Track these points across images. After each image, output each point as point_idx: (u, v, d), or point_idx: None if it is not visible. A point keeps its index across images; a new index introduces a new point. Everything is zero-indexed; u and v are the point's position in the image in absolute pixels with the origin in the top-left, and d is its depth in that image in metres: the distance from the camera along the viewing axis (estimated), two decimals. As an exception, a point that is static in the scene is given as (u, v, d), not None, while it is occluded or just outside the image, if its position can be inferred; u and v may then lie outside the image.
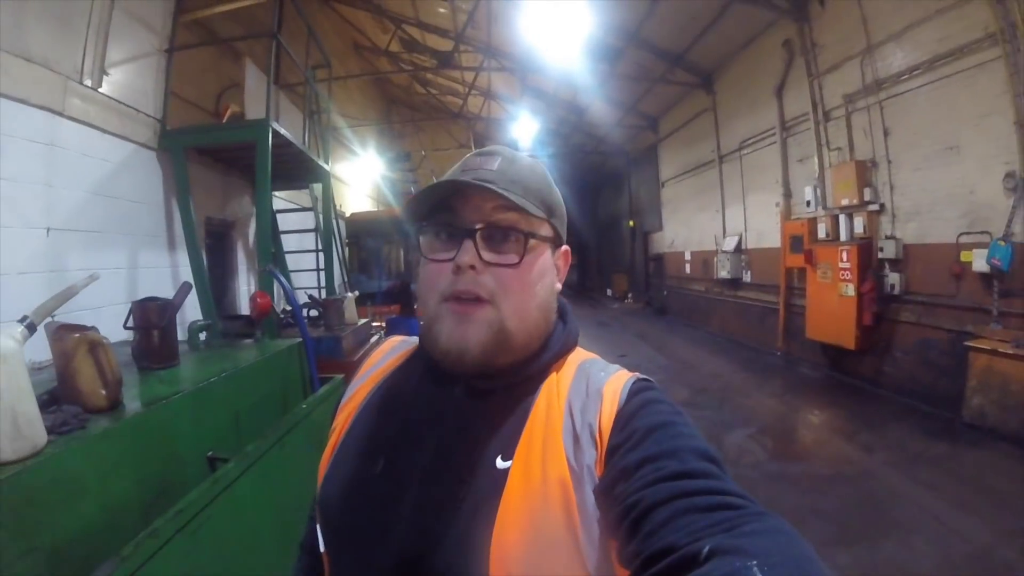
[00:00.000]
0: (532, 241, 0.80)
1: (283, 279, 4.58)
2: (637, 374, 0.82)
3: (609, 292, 21.60)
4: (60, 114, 3.86)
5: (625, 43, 11.19)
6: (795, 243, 8.77)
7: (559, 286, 0.89)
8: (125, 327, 2.53)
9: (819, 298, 8.12)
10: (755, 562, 0.46)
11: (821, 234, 8.21)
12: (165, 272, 5.10)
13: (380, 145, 14.43)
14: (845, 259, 7.40)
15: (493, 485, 0.70)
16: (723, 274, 11.58)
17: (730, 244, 11.49)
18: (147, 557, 1.41)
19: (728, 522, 0.54)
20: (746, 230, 11.10)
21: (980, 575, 3.45)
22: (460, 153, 16.74)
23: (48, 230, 3.71)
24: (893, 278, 6.92)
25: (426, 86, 17.41)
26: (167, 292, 2.83)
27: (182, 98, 5.56)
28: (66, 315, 2.94)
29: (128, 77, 4.66)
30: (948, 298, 6.24)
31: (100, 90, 4.22)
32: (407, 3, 11.87)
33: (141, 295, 3.64)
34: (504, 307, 0.77)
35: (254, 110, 5.66)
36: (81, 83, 4.06)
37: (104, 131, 4.35)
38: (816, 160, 8.27)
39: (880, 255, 7.08)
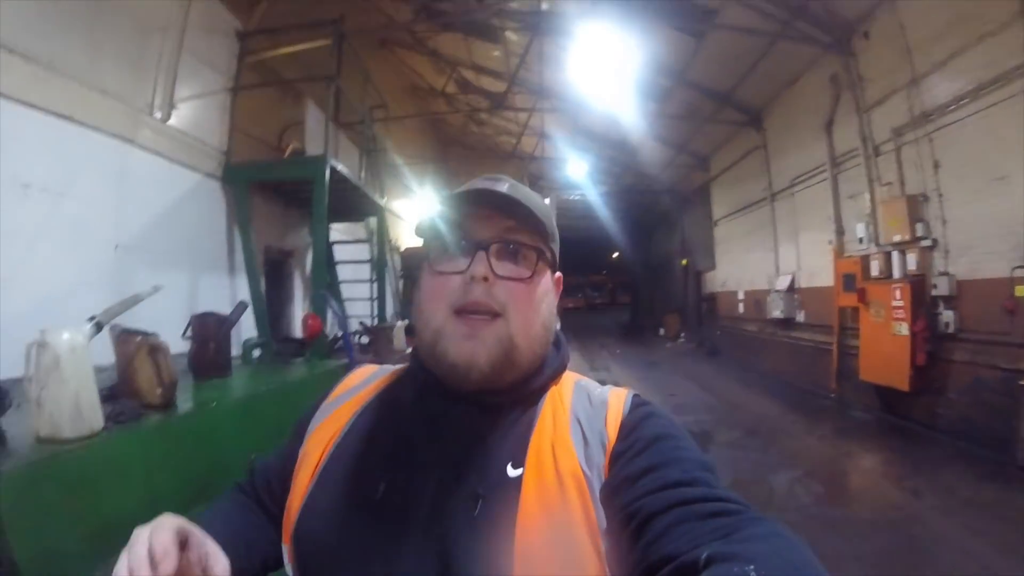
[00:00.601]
0: (540, 260, 0.83)
1: (335, 303, 4.86)
2: (633, 390, 0.84)
3: (661, 332, 21.25)
4: (131, 143, 4.26)
5: (673, 83, 11.28)
6: (847, 281, 8.48)
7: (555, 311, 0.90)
8: (183, 337, 2.71)
9: (872, 338, 7.80)
10: (752, 567, 0.46)
11: (874, 272, 7.91)
12: (224, 293, 5.43)
13: (436, 183, 14.86)
14: (898, 297, 7.11)
15: (507, 494, 0.70)
16: (776, 314, 11.26)
17: (783, 283, 11.19)
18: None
19: (726, 528, 0.55)
20: (799, 269, 10.80)
21: None
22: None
23: (116, 247, 4.04)
24: (947, 316, 6.60)
25: (480, 126, 17.86)
26: (224, 311, 3.06)
27: (248, 134, 5.93)
28: (128, 325, 3.22)
29: (195, 112, 5.06)
30: (1002, 335, 5.91)
31: (169, 123, 4.63)
32: (462, 47, 12.29)
33: (202, 309, 3.97)
34: (513, 322, 0.78)
35: (314, 147, 6.00)
36: (151, 116, 4.47)
37: (172, 160, 4.75)
38: (867, 196, 8.04)
39: (933, 292, 6.77)
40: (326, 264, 5.96)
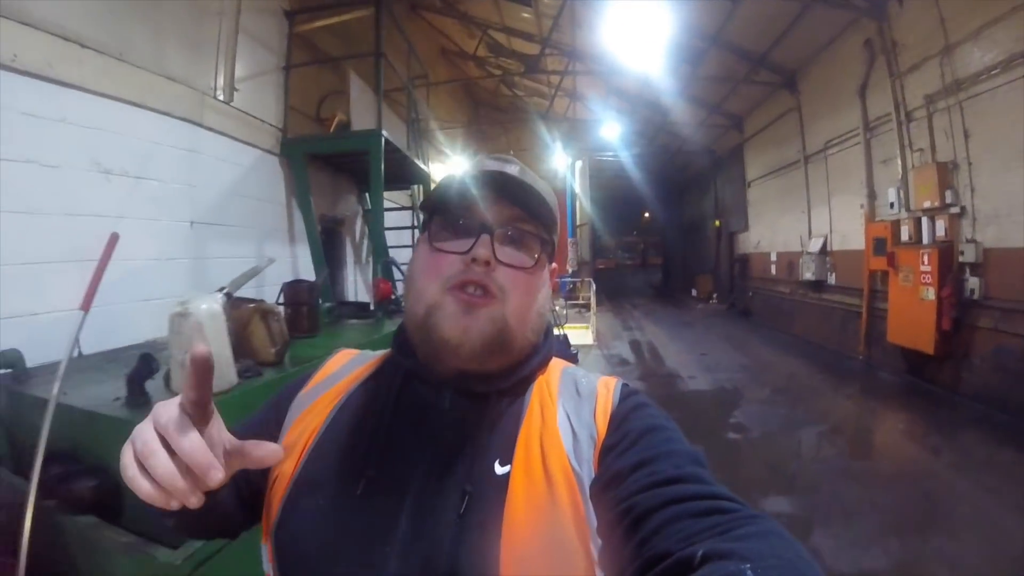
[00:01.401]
0: (541, 250, 0.82)
1: (401, 268, 5.32)
2: (621, 380, 0.84)
3: (694, 293, 21.39)
4: (199, 125, 4.61)
5: (707, 44, 11.20)
6: (878, 246, 8.61)
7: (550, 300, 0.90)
8: (277, 303, 3.09)
9: (900, 302, 7.99)
10: (748, 565, 0.47)
11: (904, 237, 8.05)
12: (286, 263, 5.89)
13: (468, 146, 15.04)
14: (926, 262, 7.27)
15: (494, 492, 0.70)
16: (808, 276, 11.40)
17: (815, 246, 11.30)
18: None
19: (721, 526, 0.54)
20: (831, 232, 10.89)
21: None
22: (546, 153, 17.20)
23: (192, 223, 4.45)
24: (973, 283, 6.75)
25: (512, 88, 17.88)
26: (287, 279, 3.49)
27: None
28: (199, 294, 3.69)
29: (253, 91, 5.39)
30: (1026, 303, 6.08)
31: (232, 104, 4.96)
32: (492, 9, 12.26)
33: (267, 281, 4.40)
34: (509, 305, 0.77)
35: (360, 118, 6.30)
36: (215, 98, 4.81)
37: (235, 139, 5.12)
38: (899, 162, 8.10)
39: (960, 259, 6.91)
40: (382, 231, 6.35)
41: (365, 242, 8.00)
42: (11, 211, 2.94)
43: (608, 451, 0.71)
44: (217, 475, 0.54)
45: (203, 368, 0.56)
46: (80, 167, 3.42)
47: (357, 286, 7.76)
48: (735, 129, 15.51)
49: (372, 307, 4.97)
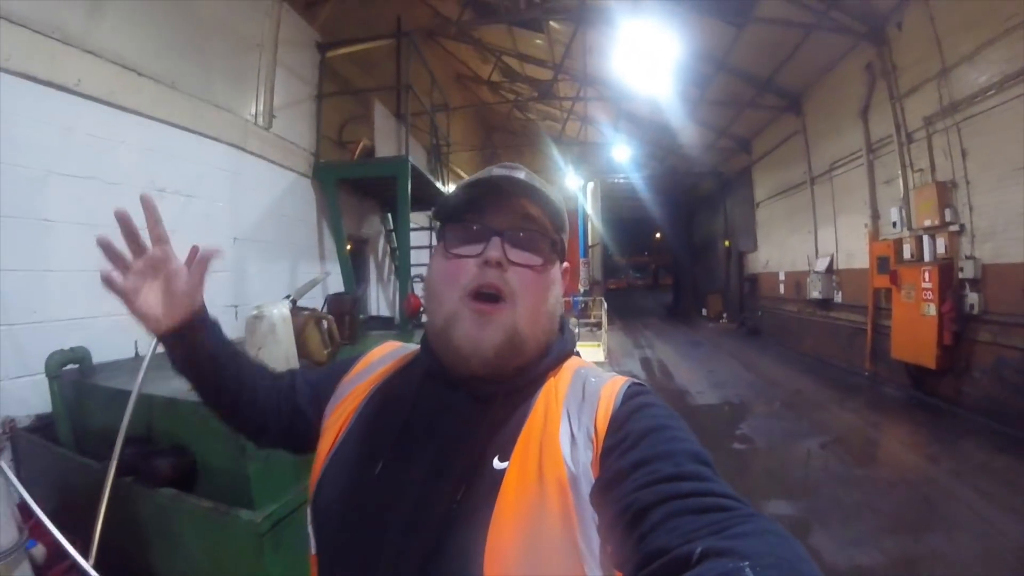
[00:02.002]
0: (551, 249, 0.86)
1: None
2: (632, 379, 0.84)
3: (704, 312, 21.49)
4: (243, 149, 5.02)
5: (714, 69, 11.52)
6: (882, 264, 8.81)
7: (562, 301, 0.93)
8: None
9: (903, 318, 8.15)
10: (747, 563, 0.47)
11: (906, 255, 8.22)
12: (313, 277, 6.18)
13: (480, 168, 15.34)
14: (927, 279, 7.44)
15: (490, 486, 0.73)
16: (815, 294, 11.57)
17: (822, 265, 11.49)
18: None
19: (719, 524, 0.55)
20: (837, 251, 11.09)
21: (1012, 565, 3.68)
22: (558, 175, 17.54)
23: (235, 239, 4.85)
24: (972, 298, 6.92)
25: (525, 112, 18.26)
26: (315, 294, 3.84)
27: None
28: (243, 306, 4.07)
29: (289, 119, 5.81)
30: (1022, 317, 6.25)
31: (270, 130, 5.40)
32: (506, 36, 12.65)
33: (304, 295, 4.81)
34: (520, 308, 0.81)
35: (383, 144, 6.69)
36: (256, 124, 5.23)
37: (273, 163, 5.53)
38: (901, 181, 8.32)
39: (960, 275, 7.09)
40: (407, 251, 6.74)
41: (387, 260, 8.34)
42: (73, 222, 3.29)
43: (609, 452, 0.72)
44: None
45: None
46: (137, 185, 3.73)
47: (379, 301, 8.07)
48: (743, 151, 15.77)
49: (396, 320, 5.32)
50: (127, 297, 0.96)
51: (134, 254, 0.96)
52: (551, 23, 11.38)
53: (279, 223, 5.57)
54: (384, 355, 1.04)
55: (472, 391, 0.83)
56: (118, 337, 3.28)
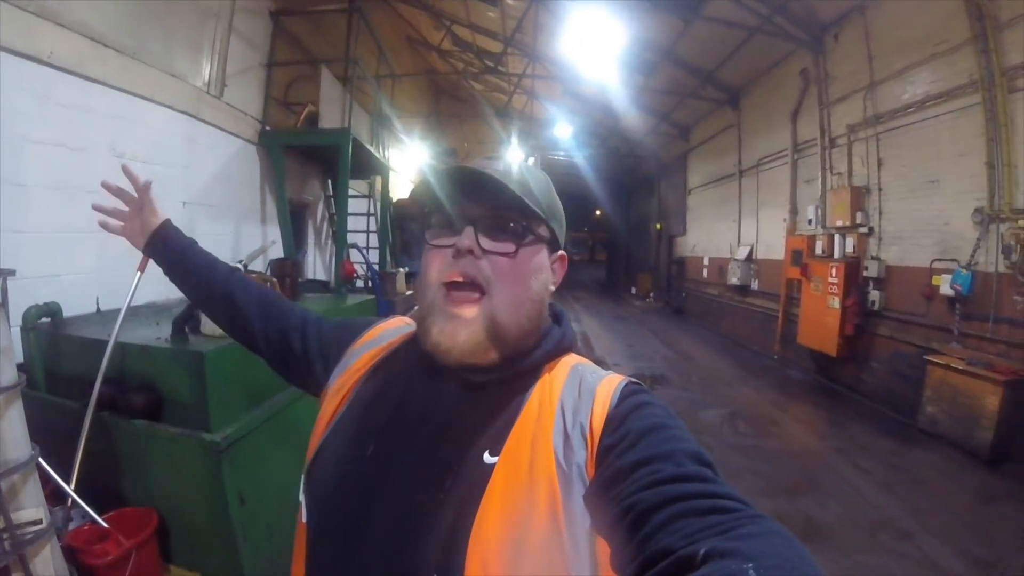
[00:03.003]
0: (529, 236, 0.84)
1: (365, 254, 5.90)
2: (629, 378, 0.83)
3: (633, 290, 22.27)
4: (196, 117, 5.03)
5: (660, 58, 11.90)
6: (796, 257, 9.50)
7: (553, 288, 0.91)
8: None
9: (811, 308, 8.86)
10: (751, 564, 0.47)
11: (818, 250, 8.95)
12: (257, 240, 6.28)
13: (425, 135, 15.31)
14: (834, 275, 8.11)
15: (478, 479, 0.72)
16: (734, 280, 12.33)
17: (743, 253, 12.24)
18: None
19: (723, 525, 0.54)
20: (757, 241, 11.84)
21: (874, 533, 4.20)
22: (501, 147, 17.62)
23: (184, 203, 4.90)
24: (875, 295, 7.66)
25: (473, 81, 18.20)
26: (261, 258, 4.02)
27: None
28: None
29: (240, 87, 5.80)
30: (919, 316, 6.96)
31: (222, 99, 5.41)
32: (459, 5, 12.58)
33: (242, 254, 4.96)
34: (497, 297, 0.80)
35: (328, 110, 6.71)
36: (208, 93, 5.24)
37: (224, 130, 5.54)
38: (820, 182, 8.98)
39: (865, 273, 7.81)
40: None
41: (325, 225, 8.41)
42: (43, 186, 3.38)
43: (607, 452, 0.70)
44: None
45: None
46: (100, 151, 3.85)
47: (316, 265, 8.16)
48: (681, 138, 16.36)
49: (332, 284, 5.53)
50: (119, 230, 1.41)
51: (125, 202, 1.41)
52: (506, -1, 11.45)
53: (225, 188, 5.63)
54: (389, 329, 1.05)
55: (462, 379, 0.83)
56: (82, 292, 3.48)
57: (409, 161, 13.76)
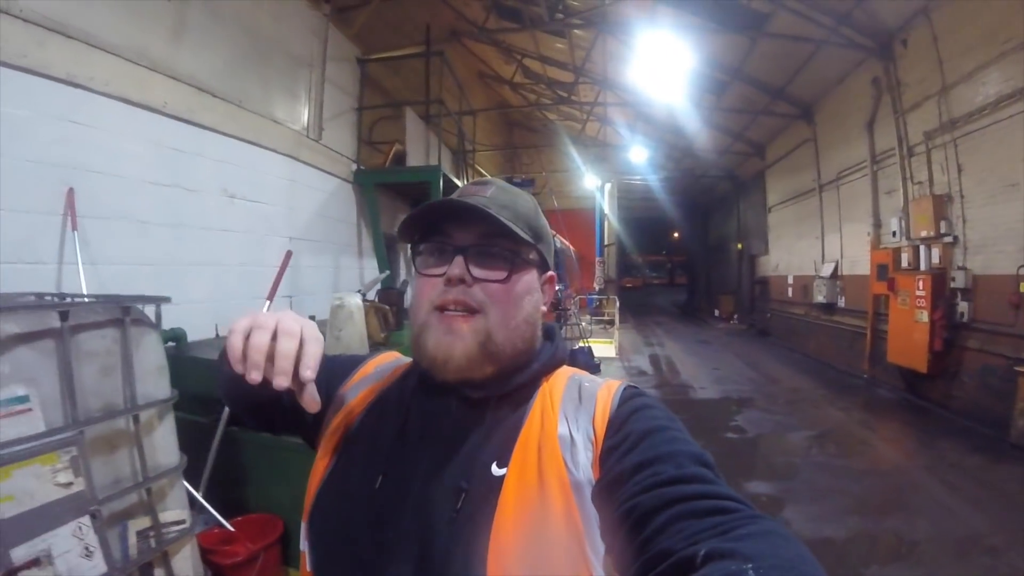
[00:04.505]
0: (519, 261, 0.84)
1: None
2: (627, 381, 0.85)
3: (716, 313, 21.80)
4: (297, 159, 5.70)
5: (730, 77, 11.90)
6: (881, 271, 9.16)
7: (544, 308, 0.92)
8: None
9: (899, 324, 8.50)
10: (750, 565, 0.47)
11: (903, 263, 8.58)
12: (355, 272, 6.95)
13: (503, 166, 15.82)
14: (921, 287, 7.79)
15: (489, 492, 0.72)
16: (820, 298, 11.96)
17: (827, 270, 11.86)
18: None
19: (723, 526, 0.55)
20: (842, 257, 11.45)
21: (962, 550, 4.06)
22: (577, 175, 17.95)
23: (290, 239, 5.50)
24: (962, 306, 7.30)
25: (545, 112, 18.64)
26: (353, 286, 4.54)
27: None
28: (296, 297, 4.84)
29: (334, 130, 6.49)
30: (1008, 326, 6.60)
31: (320, 141, 6.11)
32: (528, 39, 12.96)
33: (342, 286, 5.84)
34: (492, 316, 0.81)
35: (413, 148, 7.34)
36: (307, 136, 5.92)
37: (322, 171, 6.23)
38: (901, 193, 8.67)
39: (952, 284, 7.46)
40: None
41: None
42: (162, 223, 3.95)
43: (609, 454, 0.72)
44: (283, 381, 0.69)
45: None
46: (212, 192, 4.48)
47: (406, 295, 8.75)
48: (757, 156, 16.10)
49: None
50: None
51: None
52: (573, 30, 11.77)
53: (325, 224, 6.26)
54: (383, 364, 1.04)
55: (462, 396, 0.83)
56: (201, 319, 4.04)
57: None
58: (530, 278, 0.87)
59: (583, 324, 13.42)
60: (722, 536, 0.53)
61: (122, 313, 2.18)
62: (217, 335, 4.12)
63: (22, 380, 1.81)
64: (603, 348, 12.58)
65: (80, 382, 1.97)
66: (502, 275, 0.82)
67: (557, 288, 0.99)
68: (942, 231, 7.61)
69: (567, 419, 0.78)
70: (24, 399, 1.81)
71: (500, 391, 0.83)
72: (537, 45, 13.34)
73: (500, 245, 0.83)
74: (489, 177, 0.97)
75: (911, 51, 8.20)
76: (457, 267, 0.80)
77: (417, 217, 0.86)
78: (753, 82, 11.92)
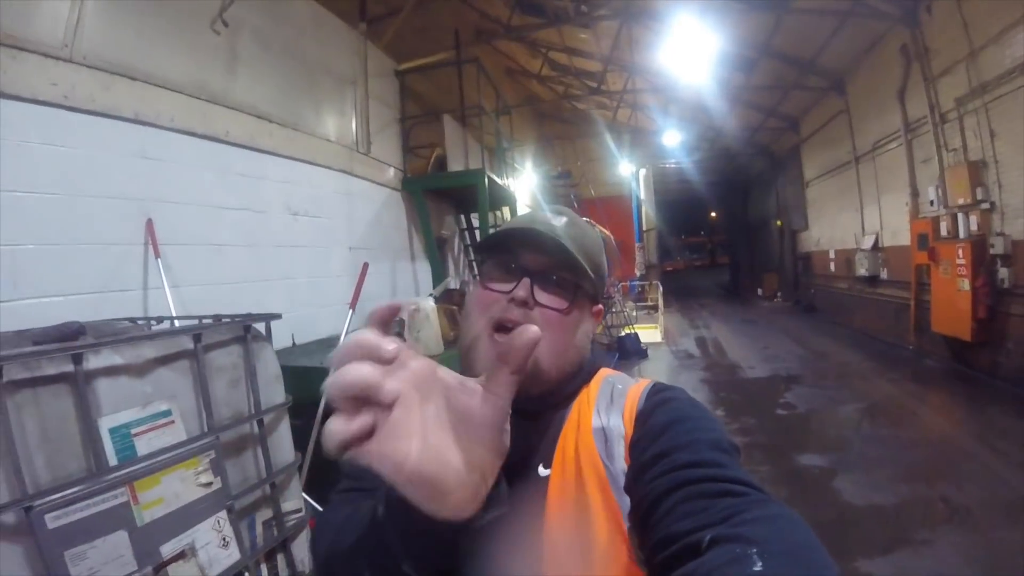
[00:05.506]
0: (579, 293, 0.87)
1: None
2: (656, 380, 0.88)
3: (760, 291, 21.63)
4: (350, 173, 6.12)
5: (758, 54, 11.83)
6: (921, 241, 9.07)
7: (591, 337, 0.94)
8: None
9: (941, 293, 8.46)
10: (755, 549, 0.48)
11: (943, 232, 8.52)
12: (408, 275, 7.33)
13: (536, 159, 16.01)
14: (961, 256, 7.74)
15: (537, 492, 0.76)
16: (862, 272, 11.87)
17: (868, 243, 11.74)
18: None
19: (730, 509, 0.55)
20: (882, 228, 11.33)
21: (1012, 514, 4.11)
22: (612, 162, 18.02)
23: (350, 248, 5.93)
24: (1003, 273, 7.22)
25: (574, 103, 18.67)
26: (409, 288, 5.50)
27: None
28: (361, 303, 5.28)
29: (381, 141, 6.90)
30: (1050, 291, 6.52)
31: (370, 154, 6.54)
32: (553, 32, 13.10)
33: (399, 290, 6.28)
34: (544, 344, 0.77)
35: (453, 152, 7.69)
36: (358, 151, 6.33)
37: (373, 182, 6.66)
38: (936, 161, 8.57)
39: (992, 251, 7.38)
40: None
41: (461, 256, 9.51)
42: (236, 244, 4.37)
43: (635, 446, 0.74)
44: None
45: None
46: (277, 211, 4.88)
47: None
48: (791, 131, 15.92)
49: None
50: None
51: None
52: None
53: (379, 231, 6.69)
54: None
55: (517, 410, 0.71)
56: (277, 331, 4.38)
57: (526, 188, 14.48)
58: (585, 310, 0.90)
59: (627, 311, 13.57)
60: (729, 519, 0.54)
61: (244, 331, 2.55)
62: (294, 343, 4.53)
63: (164, 397, 2.16)
64: (648, 333, 12.76)
65: (213, 394, 2.33)
66: (563, 305, 0.85)
67: None
68: (979, 198, 7.53)
69: (600, 416, 0.82)
70: (167, 413, 2.16)
71: (544, 404, 0.87)
72: (562, 38, 13.44)
73: (565, 275, 0.86)
74: (563, 208, 1.00)
75: (936, 16, 8.08)
76: (523, 289, 0.82)
77: (500, 236, 0.89)
78: (782, 57, 11.82)
